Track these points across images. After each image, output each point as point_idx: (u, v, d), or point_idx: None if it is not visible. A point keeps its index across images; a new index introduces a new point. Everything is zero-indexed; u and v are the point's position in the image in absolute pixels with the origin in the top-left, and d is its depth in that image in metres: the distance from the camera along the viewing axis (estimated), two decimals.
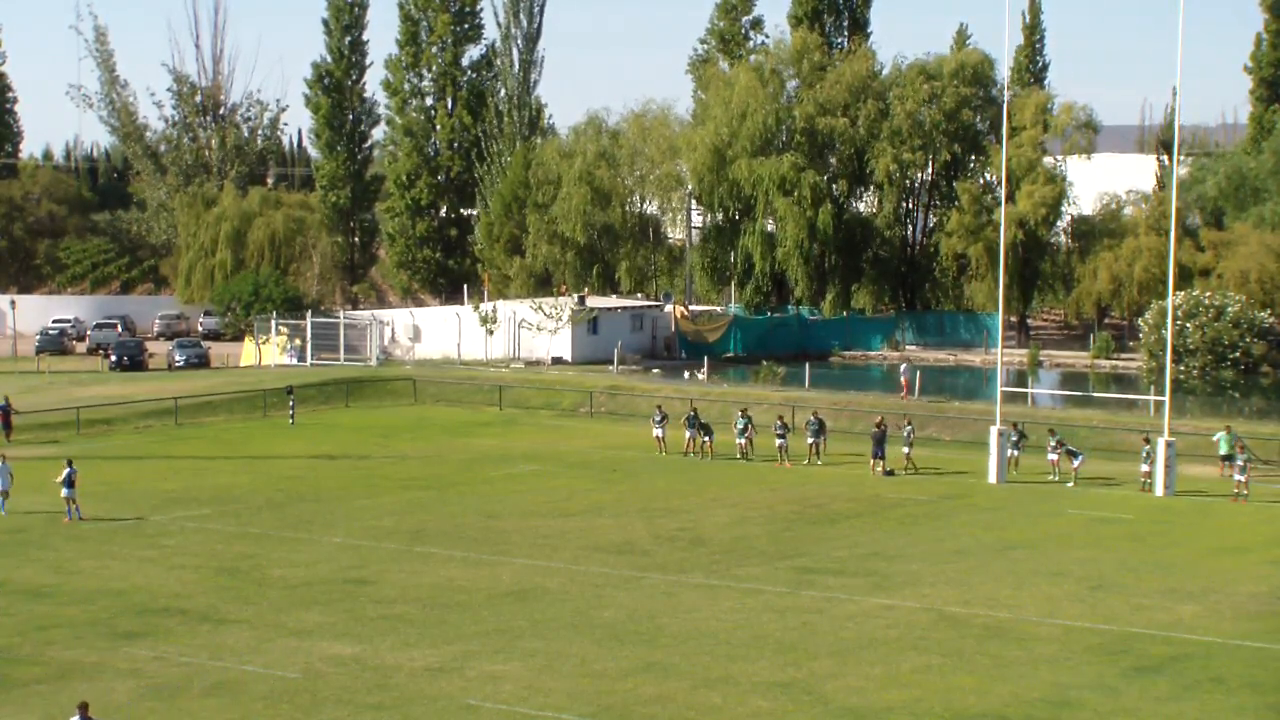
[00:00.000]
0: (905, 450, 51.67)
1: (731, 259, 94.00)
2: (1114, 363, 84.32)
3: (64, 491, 41.29)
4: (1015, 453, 51.29)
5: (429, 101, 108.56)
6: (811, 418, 54.49)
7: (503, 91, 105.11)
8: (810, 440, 53.47)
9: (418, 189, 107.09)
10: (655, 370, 76.08)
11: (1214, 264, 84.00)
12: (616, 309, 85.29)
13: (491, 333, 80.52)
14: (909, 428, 52.50)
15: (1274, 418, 60.10)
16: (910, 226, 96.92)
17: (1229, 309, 76.43)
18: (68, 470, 41.57)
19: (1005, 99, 61.64)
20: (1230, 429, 51.76)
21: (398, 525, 41.28)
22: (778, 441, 53.08)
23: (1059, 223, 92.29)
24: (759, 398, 63.62)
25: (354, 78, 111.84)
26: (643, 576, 35.22)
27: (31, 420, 57.99)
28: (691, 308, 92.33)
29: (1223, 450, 50.22)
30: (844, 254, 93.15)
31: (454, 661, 27.98)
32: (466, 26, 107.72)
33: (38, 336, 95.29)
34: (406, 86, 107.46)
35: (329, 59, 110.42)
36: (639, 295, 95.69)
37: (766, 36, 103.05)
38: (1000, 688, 26.69)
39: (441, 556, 37.24)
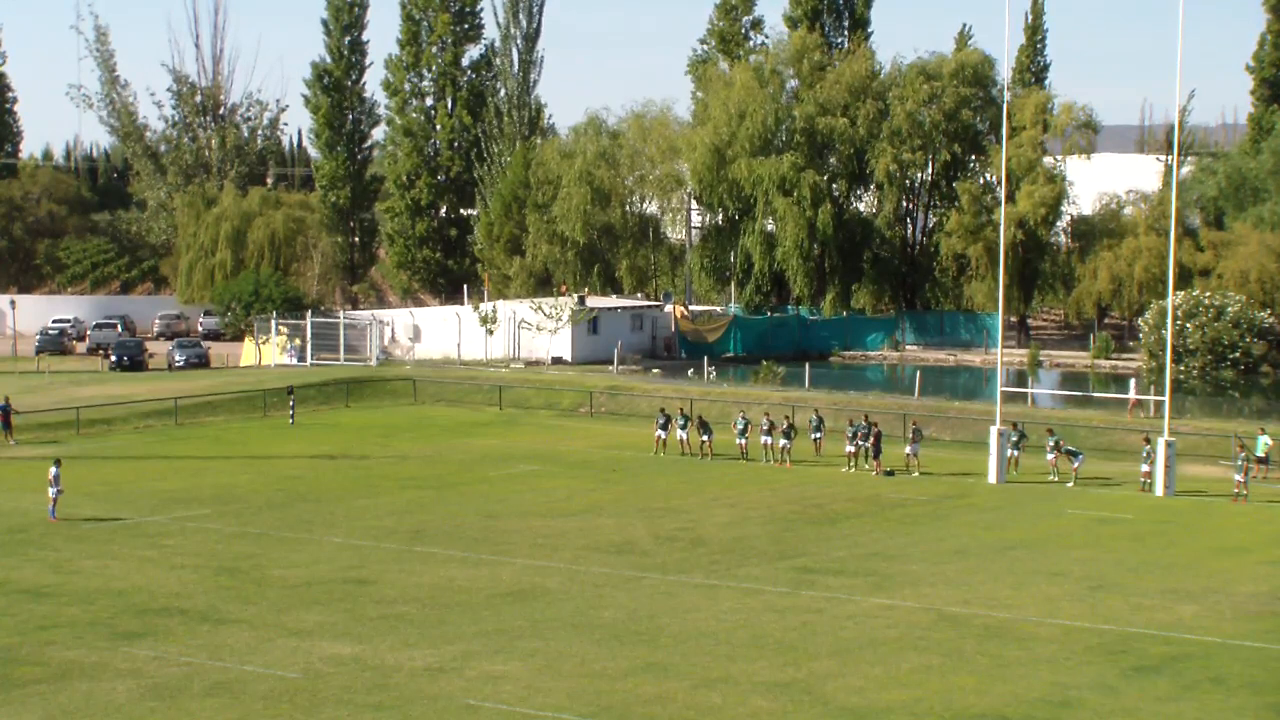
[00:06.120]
0: (908, 450, 51.56)
1: (731, 259, 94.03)
2: (1114, 363, 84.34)
3: (50, 491, 41.28)
4: (1015, 453, 51.26)
5: (429, 101, 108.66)
6: (765, 419, 54.35)
7: (503, 91, 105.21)
8: (767, 440, 53.43)
9: (418, 189, 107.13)
10: (655, 370, 76.03)
11: (1214, 264, 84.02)
12: (616, 309, 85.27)
13: (491, 333, 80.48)
14: (914, 429, 52.36)
15: (1274, 418, 60.07)
16: (910, 226, 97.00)
17: (1229, 309, 76.44)
18: (53, 470, 41.57)
19: (1005, 99, 61.61)
20: (1264, 431, 51.72)
21: (398, 525, 41.26)
22: (780, 441, 53.07)
23: (1059, 223, 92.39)
24: (759, 398, 63.61)
25: (354, 78, 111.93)
26: (643, 576, 35.20)
27: (31, 420, 58.00)
28: (691, 308, 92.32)
29: (1259, 452, 50.10)
30: (844, 254, 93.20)
31: (454, 661, 27.96)
32: (466, 26, 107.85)
33: (38, 336, 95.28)
34: (406, 86, 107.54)
35: (329, 59, 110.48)
36: (639, 295, 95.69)
37: (766, 37, 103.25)
38: (1000, 688, 26.68)
39: (441, 556, 37.22)
